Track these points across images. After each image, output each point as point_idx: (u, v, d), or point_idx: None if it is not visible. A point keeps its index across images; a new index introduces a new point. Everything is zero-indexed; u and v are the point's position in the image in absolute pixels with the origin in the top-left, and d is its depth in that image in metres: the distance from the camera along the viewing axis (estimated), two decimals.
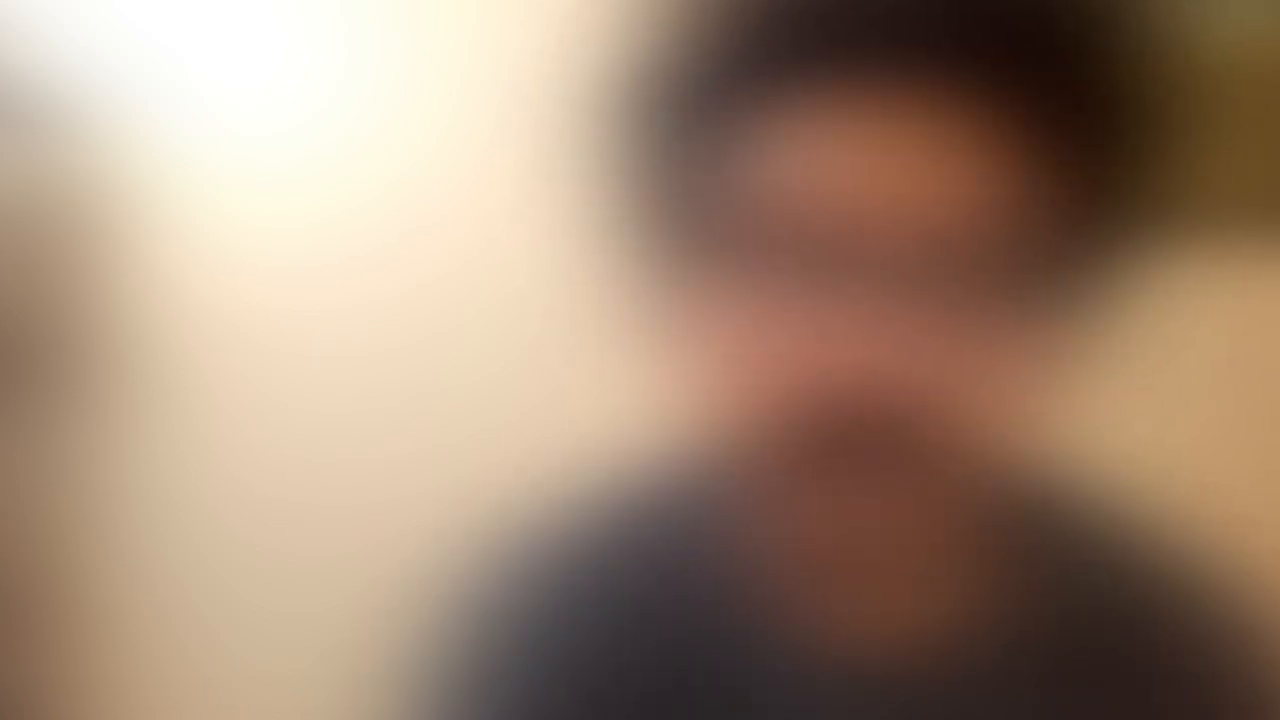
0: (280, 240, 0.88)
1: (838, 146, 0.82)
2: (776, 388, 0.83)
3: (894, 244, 0.82)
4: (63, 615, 0.89)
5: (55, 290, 0.88)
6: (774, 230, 0.83)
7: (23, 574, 0.89)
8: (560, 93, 0.86)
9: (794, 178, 0.82)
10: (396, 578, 0.87)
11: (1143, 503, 0.85)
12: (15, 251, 0.88)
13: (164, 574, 0.89)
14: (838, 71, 0.82)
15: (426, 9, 0.87)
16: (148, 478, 0.89)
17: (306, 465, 0.88)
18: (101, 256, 0.88)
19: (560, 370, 0.86)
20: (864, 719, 0.85)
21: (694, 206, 0.84)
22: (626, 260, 0.85)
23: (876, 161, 0.81)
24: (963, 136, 0.82)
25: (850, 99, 0.82)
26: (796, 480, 0.83)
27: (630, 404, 0.86)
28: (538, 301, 0.86)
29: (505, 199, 0.86)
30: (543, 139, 0.86)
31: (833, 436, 0.82)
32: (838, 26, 0.82)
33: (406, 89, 0.87)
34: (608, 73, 0.85)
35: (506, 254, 0.86)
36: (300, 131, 0.88)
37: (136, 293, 0.88)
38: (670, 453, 0.85)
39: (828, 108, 0.82)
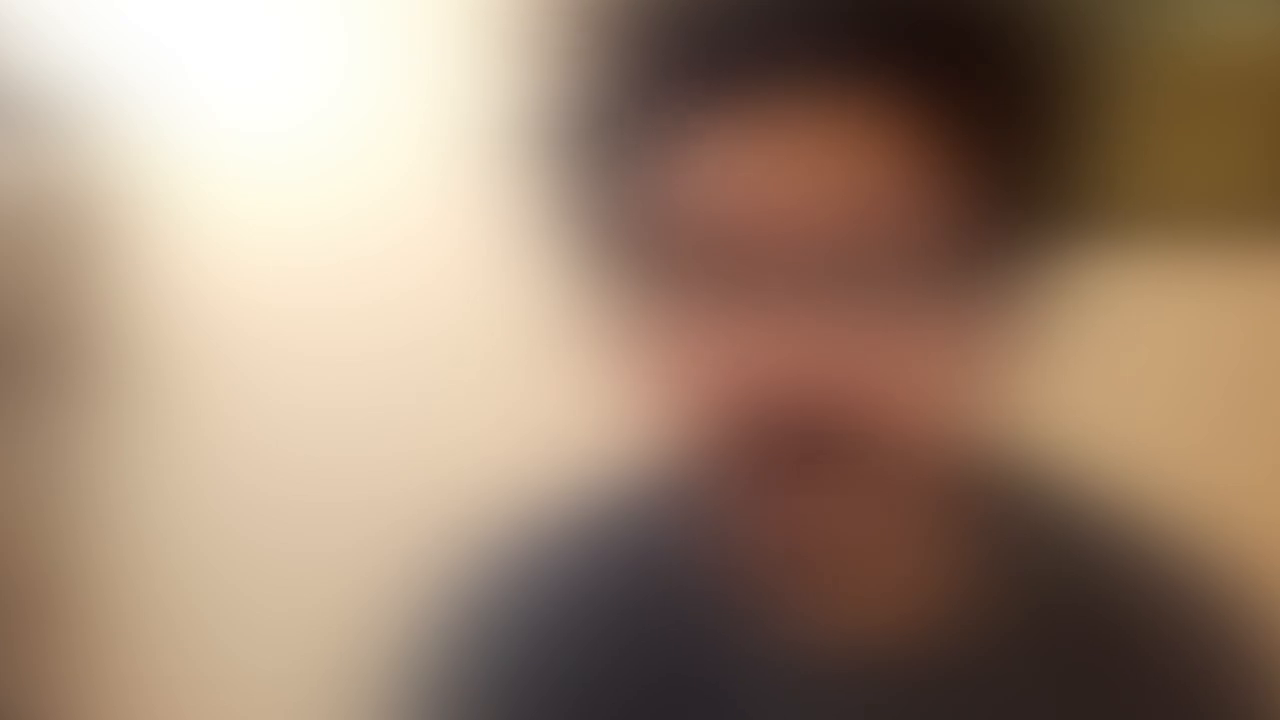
0: (279, 240, 0.88)
1: (770, 155, 0.82)
2: (729, 392, 0.83)
3: (834, 247, 0.82)
4: (62, 615, 0.89)
5: (55, 290, 0.88)
6: (718, 242, 0.83)
7: (23, 574, 0.89)
8: (524, 112, 0.86)
9: (733, 189, 0.83)
10: (393, 576, 0.87)
11: (1122, 488, 0.85)
12: (15, 251, 0.88)
13: (163, 573, 0.89)
14: (765, 80, 0.82)
15: (426, 10, 0.87)
16: (147, 477, 0.89)
17: (305, 465, 0.88)
18: (101, 256, 0.88)
19: (556, 363, 0.86)
20: (839, 716, 0.85)
21: (641, 224, 0.84)
22: (590, 274, 0.86)
23: (808, 168, 0.82)
24: (889, 136, 0.82)
25: (778, 106, 0.82)
26: (754, 483, 0.84)
27: (594, 412, 0.86)
28: (531, 300, 0.86)
29: (500, 200, 0.86)
30: (515, 155, 0.86)
31: (787, 438, 0.82)
32: (758, 35, 0.82)
33: (406, 90, 0.87)
34: (545, 100, 0.86)
35: (500, 255, 0.86)
36: (300, 131, 0.88)
37: (136, 292, 0.88)
38: (632, 458, 0.85)
39: (757, 118, 0.82)
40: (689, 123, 0.83)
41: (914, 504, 0.84)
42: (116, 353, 0.88)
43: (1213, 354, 0.85)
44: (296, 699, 0.88)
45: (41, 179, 0.88)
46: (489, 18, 0.86)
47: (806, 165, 0.82)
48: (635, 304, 0.85)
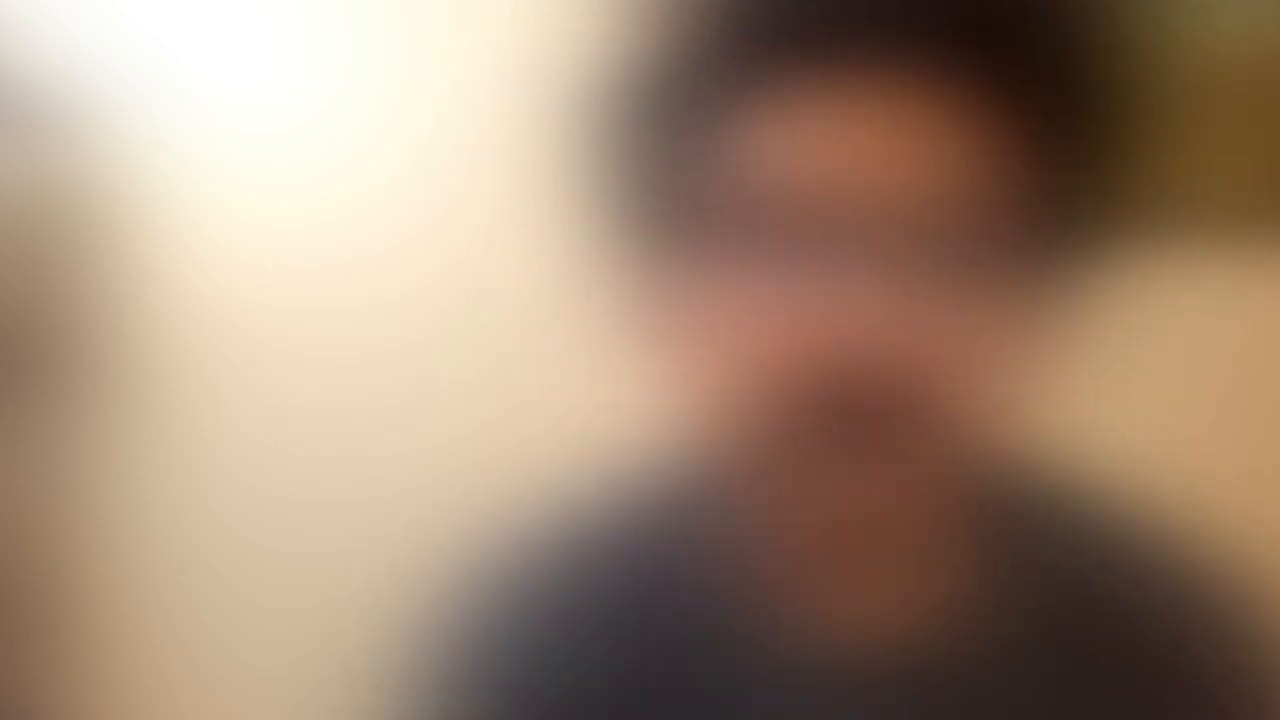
0: (279, 240, 0.88)
1: (821, 131, 0.82)
2: (770, 373, 0.83)
3: (882, 225, 0.82)
4: (62, 615, 0.89)
5: (55, 290, 0.88)
6: (762, 217, 0.83)
7: (23, 574, 0.89)
8: (553, 91, 0.86)
9: (779, 164, 0.82)
10: (396, 576, 0.87)
11: (1136, 487, 0.85)
12: (15, 251, 0.88)
13: (163, 573, 0.89)
14: (819, 57, 0.82)
15: (426, 10, 0.87)
16: (147, 477, 0.89)
17: (305, 465, 0.88)
18: (101, 256, 0.88)
19: (559, 363, 0.86)
20: (864, 703, 0.85)
21: (682, 197, 0.84)
22: (621, 253, 0.85)
23: (861, 144, 0.82)
24: (945, 117, 0.82)
25: (833, 83, 0.82)
26: (794, 464, 0.83)
27: (628, 394, 0.86)
28: (537, 297, 0.86)
29: (502, 198, 0.86)
30: (538, 138, 0.86)
31: (827, 420, 0.82)
32: (819, 12, 0.82)
33: (406, 89, 0.87)
34: (595, 71, 0.85)
35: (503, 252, 0.86)
36: (300, 131, 0.88)
37: (135, 292, 0.88)
38: (668, 441, 0.85)
39: (810, 93, 0.82)
40: (748, 97, 0.83)
41: (952, 490, 0.84)
42: (116, 353, 0.88)
43: (1243, 350, 0.85)
44: (296, 699, 0.88)
45: (41, 179, 0.88)
46: (491, 11, 0.87)
47: (865, 145, 0.81)
48: (678, 280, 0.84)
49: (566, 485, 0.86)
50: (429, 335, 0.87)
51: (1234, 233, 0.85)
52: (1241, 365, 0.85)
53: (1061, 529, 0.85)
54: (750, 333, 0.83)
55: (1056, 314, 0.84)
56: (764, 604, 0.86)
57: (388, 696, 0.87)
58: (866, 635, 0.85)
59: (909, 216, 0.82)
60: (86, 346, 0.89)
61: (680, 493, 0.86)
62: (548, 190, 0.86)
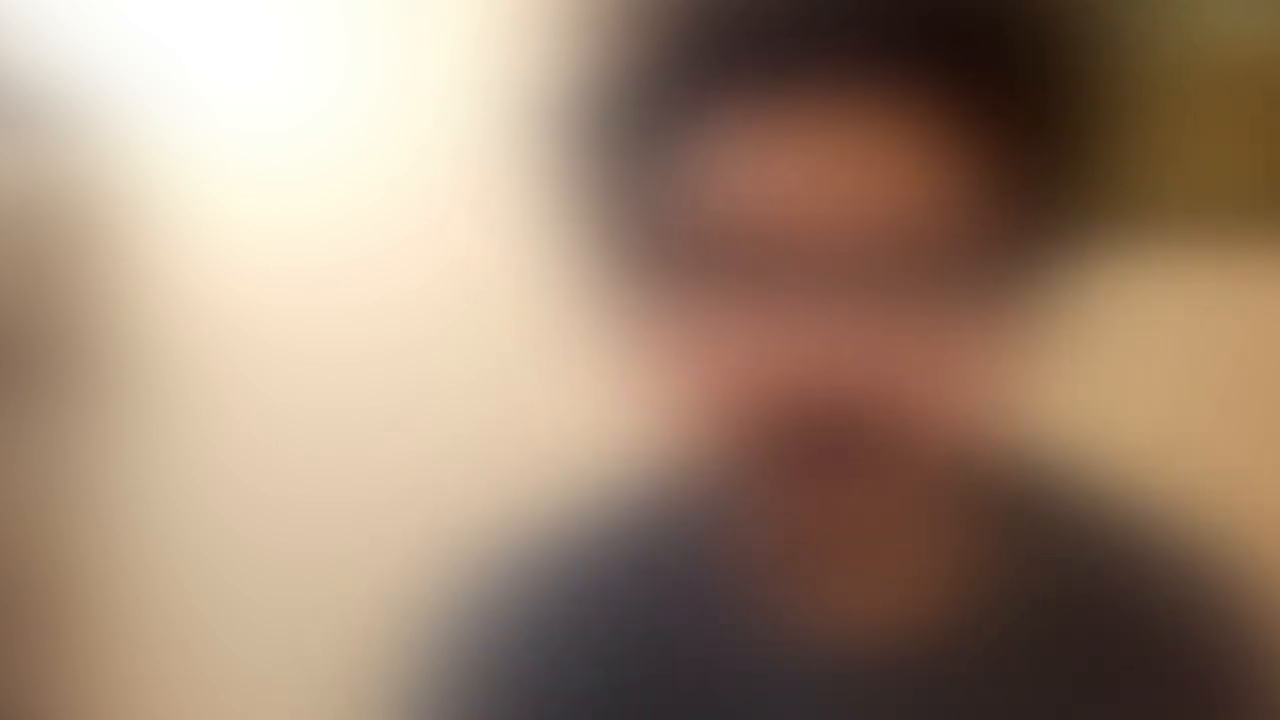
0: (279, 240, 0.88)
1: (791, 152, 0.82)
2: (745, 392, 0.83)
3: (852, 245, 0.82)
4: (62, 615, 0.89)
5: (55, 290, 0.89)
6: (735, 238, 0.83)
7: (23, 574, 0.89)
8: (528, 108, 0.86)
9: (750, 186, 0.82)
10: (395, 578, 0.87)
11: (1135, 489, 0.85)
12: (15, 251, 0.88)
13: (164, 573, 0.89)
14: (787, 77, 0.82)
15: (426, 11, 0.87)
16: (147, 477, 0.89)
17: (306, 465, 0.88)
18: (101, 256, 0.88)
19: (559, 363, 0.86)
20: (856, 712, 0.85)
21: (656, 219, 0.84)
22: (599, 272, 0.85)
23: (829, 165, 0.82)
24: (909, 135, 0.82)
25: (803, 104, 0.82)
26: (771, 483, 0.84)
27: (629, 391, 0.86)
28: (536, 297, 0.86)
29: (502, 198, 0.87)
30: (537, 139, 0.86)
31: (804, 437, 0.82)
32: (783, 32, 0.82)
33: (406, 89, 0.87)
34: (579, 80, 0.85)
35: (502, 253, 0.86)
36: (300, 131, 0.88)
37: (136, 292, 0.88)
38: (667, 441, 0.86)
39: (780, 115, 0.82)
40: (716, 119, 0.83)
41: (931, 499, 0.85)
42: (116, 353, 0.88)
43: (1227, 350, 0.85)
44: (296, 699, 0.88)
45: (41, 179, 0.88)
46: (490, 15, 0.87)
47: (834, 165, 0.82)
48: (653, 299, 0.85)
49: (565, 486, 0.86)
50: (428, 335, 0.87)
51: (1231, 235, 0.85)
52: (1241, 366, 0.85)
53: (1060, 529, 0.85)
54: (728, 351, 0.83)
55: (1048, 320, 0.84)
56: (760, 605, 0.86)
57: (386, 697, 0.87)
58: (863, 637, 0.85)
59: (880, 232, 0.82)
60: (86, 346, 0.89)
61: (679, 493, 0.86)
62: (547, 191, 0.86)
